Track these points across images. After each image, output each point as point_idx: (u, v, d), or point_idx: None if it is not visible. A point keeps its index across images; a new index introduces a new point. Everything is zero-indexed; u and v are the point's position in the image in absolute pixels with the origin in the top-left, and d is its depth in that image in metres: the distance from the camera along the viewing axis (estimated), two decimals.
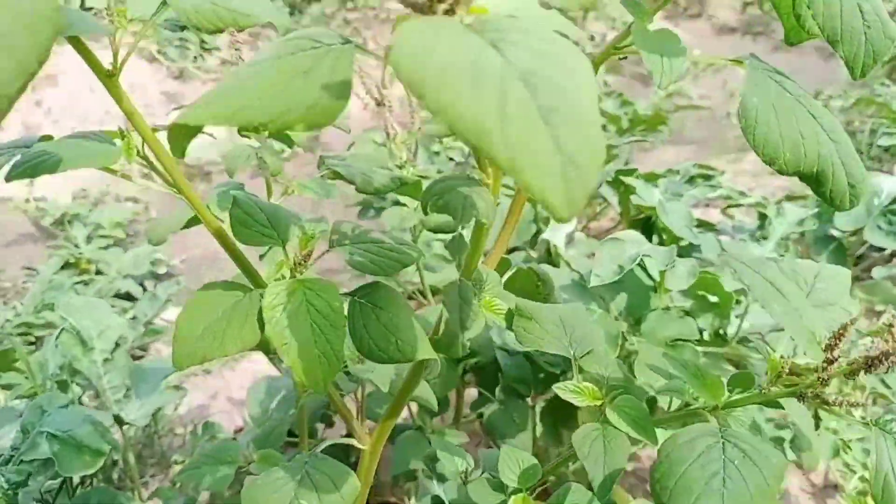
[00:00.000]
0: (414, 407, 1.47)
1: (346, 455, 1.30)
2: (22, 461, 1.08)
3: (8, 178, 0.57)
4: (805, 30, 0.65)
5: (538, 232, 1.60)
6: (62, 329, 1.41)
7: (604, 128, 2.48)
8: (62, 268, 2.71)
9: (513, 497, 0.71)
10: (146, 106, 4.08)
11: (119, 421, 1.33)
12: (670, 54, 0.57)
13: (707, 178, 2.04)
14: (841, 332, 0.54)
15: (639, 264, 1.25)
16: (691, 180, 2.06)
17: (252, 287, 0.63)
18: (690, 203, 1.86)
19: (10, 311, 2.42)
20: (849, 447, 1.36)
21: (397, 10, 4.36)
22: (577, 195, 0.32)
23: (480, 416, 1.37)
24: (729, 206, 2.02)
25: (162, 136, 0.63)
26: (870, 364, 0.52)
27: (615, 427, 0.65)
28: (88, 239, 2.90)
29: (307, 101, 0.43)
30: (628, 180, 1.77)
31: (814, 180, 0.58)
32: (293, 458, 0.74)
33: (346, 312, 0.60)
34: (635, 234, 1.27)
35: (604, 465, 0.62)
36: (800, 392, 0.57)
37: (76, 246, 2.85)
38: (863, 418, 0.55)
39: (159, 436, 1.69)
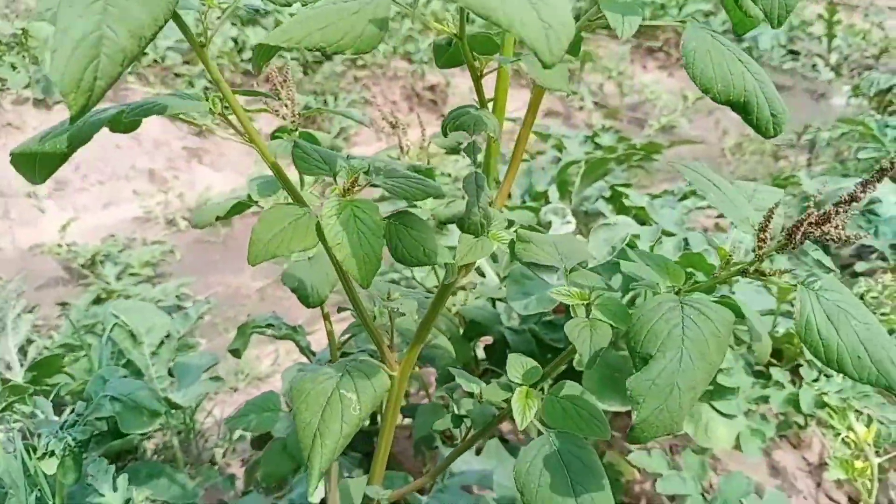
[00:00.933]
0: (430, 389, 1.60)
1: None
2: (87, 422, 1.23)
3: (127, 119, 0.74)
4: (749, 17, 0.82)
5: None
6: (115, 324, 1.56)
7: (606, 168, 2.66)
8: (94, 302, 2.88)
9: (518, 389, 0.85)
10: (169, 160, 4.32)
11: (168, 402, 1.47)
12: (628, 13, 0.74)
13: (701, 196, 2.21)
14: (770, 213, 0.69)
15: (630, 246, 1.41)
16: (684, 197, 2.23)
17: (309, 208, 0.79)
18: (682, 212, 2.02)
19: (47, 340, 2.58)
20: (833, 411, 1.47)
21: (403, 68, 4.59)
22: (555, 47, 0.48)
23: None
24: (721, 216, 2.18)
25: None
26: (791, 234, 0.68)
27: (599, 320, 0.80)
28: (119, 277, 3.08)
29: (357, 31, 0.61)
30: (622, 190, 1.94)
31: (742, 109, 0.74)
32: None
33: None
34: (625, 219, 1.43)
35: (590, 345, 0.77)
36: (743, 269, 0.72)
37: (107, 283, 3.03)
38: (793, 280, 0.70)
39: (196, 434, 1.82)
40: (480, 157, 0.78)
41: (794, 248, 0.69)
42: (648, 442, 0.67)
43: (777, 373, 1.40)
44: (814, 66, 5.94)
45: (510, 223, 1.17)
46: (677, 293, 0.77)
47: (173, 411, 1.64)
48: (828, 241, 0.65)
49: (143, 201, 3.89)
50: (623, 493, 1.62)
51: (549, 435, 0.81)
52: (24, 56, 4.38)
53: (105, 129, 0.76)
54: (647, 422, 0.66)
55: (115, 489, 1.15)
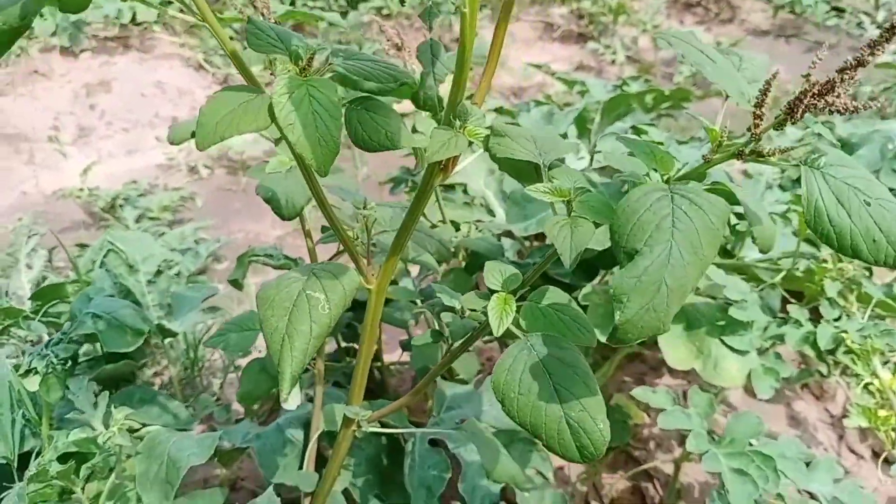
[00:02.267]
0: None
1: None
2: (71, 339, 1.20)
3: None
4: None
5: None
6: (109, 250, 1.53)
7: (628, 106, 2.55)
8: None
9: (495, 295, 0.79)
10: (192, 108, 4.28)
11: (162, 330, 1.44)
12: None
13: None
14: (766, 87, 0.61)
15: None
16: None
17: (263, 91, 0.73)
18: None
19: (63, 278, 2.58)
20: (857, 356, 1.38)
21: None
22: None
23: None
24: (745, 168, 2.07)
25: None
26: (792, 108, 0.59)
27: (581, 217, 0.72)
28: (137, 220, 3.07)
29: None
30: (643, 128, 1.84)
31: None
32: None
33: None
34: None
35: (571, 244, 0.70)
36: (738, 150, 0.64)
37: (126, 226, 3.02)
38: (794, 160, 0.62)
39: (198, 368, 1.80)
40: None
41: (794, 122, 0.61)
42: (633, 343, 0.61)
43: (795, 311, 1.31)
44: (859, 23, 5.66)
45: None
46: (666, 182, 0.69)
47: (171, 341, 1.62)
48: (833, 112, 0.57)
49: (166, 149, 3.88)
50: (631, 436, 1.56)
51: (527, 339, 0.75)
52: None
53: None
54: (631, 322, 0.60)
55: (95, 406, 1.12)
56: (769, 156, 0.62)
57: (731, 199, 0.65)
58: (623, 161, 0.73)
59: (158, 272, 1.63)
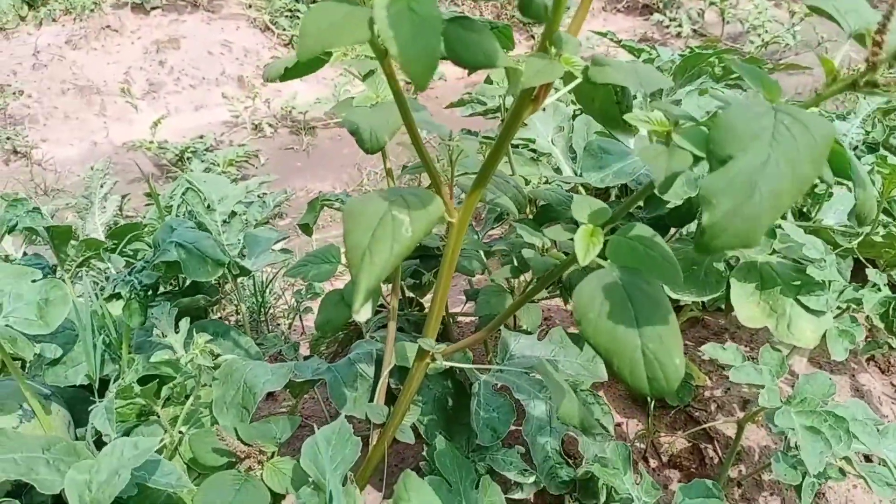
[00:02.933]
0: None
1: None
2: (154, 266, 1.24)
3: None
4: None
5: None
6: (187, 188, 1.57)
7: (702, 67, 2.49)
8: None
9: (582, 227, 0.79)
10: (257, 68, 4.35)
11: (237, 267, 1.48)
12: None
13: None
14: (889, 11, 0.59)
15: None
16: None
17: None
18: None
19: None
20: None
21: None
22: None
23: (560, 281, 1.44)
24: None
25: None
26: None
27: (679, 147, 0.72)
28: (204, 172, 3.15)
29: None
30: (717, 88, 1.80)
31: None
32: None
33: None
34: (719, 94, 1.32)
35: (667, 167, 0.69)
36: (853, 81, 0.63)
37: None
38: None
39: (267, 312, 1.85)
40: None
41: None
42: (717, 252, 0.59)
43: (874, 275, 1.28)
44: None
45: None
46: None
47: (243, 281, 1.66)
48: None
49: (232, 106, 3.95)
50: (692, 397, 1.55)
51: (612, 268, 0.75)
52: None
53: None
54: (719, 225, 0.58)
55: (177, 331, 1.16)
56: (885, 87, 0.61)
57: (840, 160, 0.64)
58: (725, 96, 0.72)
59: (233, 214, 1.67)
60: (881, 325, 1.60)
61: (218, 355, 1.21)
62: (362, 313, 0.77)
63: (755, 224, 0.58)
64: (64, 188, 3.37)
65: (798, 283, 1.22)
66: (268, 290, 1.70)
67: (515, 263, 1.00)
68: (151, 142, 3.53)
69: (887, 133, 1.36)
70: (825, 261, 1.19)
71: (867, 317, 1.61)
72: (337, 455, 0.96)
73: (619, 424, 1.52)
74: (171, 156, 3.37)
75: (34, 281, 1.23)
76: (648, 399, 1.49)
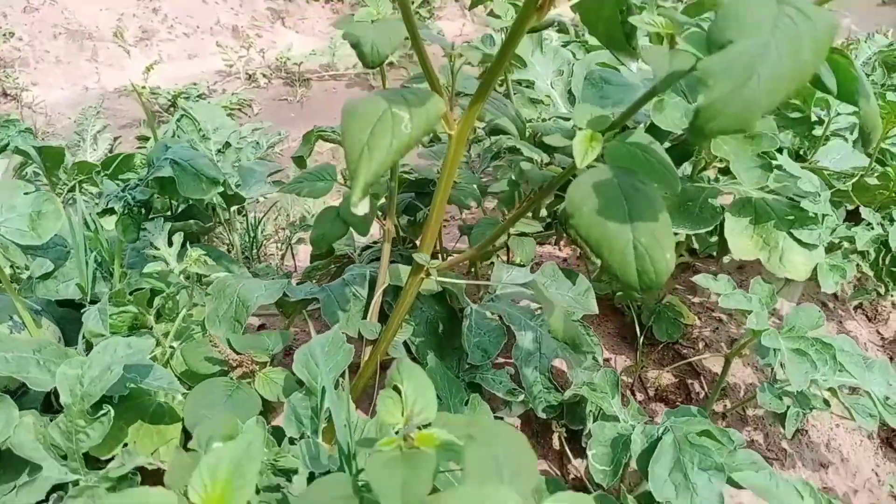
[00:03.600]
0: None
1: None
2: (148, 182, 1.23)
3: None
4: None
5: None
6: (182, 115, 1.56)
7: None
8: None
9: (581, 132, 0.79)
10: (253, 18, 4.30)
11: (232, 194, 1.47)
12: None
13: None
14: None
15: None
16: None
17: None
18: None
19: None
20: None
21: None
22: None
23: (555, 213, 1.45)
24: None
25: None
26: None
27: (683, 51, 0.72)
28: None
29: None
30: None
31: None
32: None
33: None
34: None
35: (669, 64, 0.69)
36: None
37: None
38: None
39: (259, 244, 1.84)
40: None
41: None
42: (712, 136, 0.59)
43: (867, 213, 1.29)
44: None
45: None
46: None
47: (235, 222, 1.66)
48: None
49: (226, 55, 3.91)
50: (682, 336, 1.57)
51: (608, 167, 0.75)
52: None
53: None
54: (714, 107, 0.57)
55: (170, 245, 1.16)
56: None
57: (845, 72, 0.63)
58: None
59: (227, 145, 1.66)
60: (870, 273, 1.62)
61: (211, 266, 1.20)
62: (360, 207, 0.77)
63: (752, 108, 0.58)
64: (55, 131, 3.34)
65: (791, 217, 1.23)
66: (259, 230, 1.70)
67: (513, 177, 1.00)
68: (143, 87, 3.50)
69: (887, 77, 1.36)
70: (819, 195, 1.19)
71: (857, 264, 1.63)
72: (330, 360, 0.97)
73: (607, 360, 1.53)
74: (164, 101, 3.33)
75: (27, 194, 1.22)
76: (637, 333, 1.50)
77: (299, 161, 1.50)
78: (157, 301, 1.13)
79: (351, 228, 1.11)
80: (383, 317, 1.21)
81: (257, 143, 2.28)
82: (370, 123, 0.78)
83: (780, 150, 1.37)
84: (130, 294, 1.16)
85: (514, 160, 1.02)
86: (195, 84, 3.67)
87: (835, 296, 1.78)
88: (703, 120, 0.58)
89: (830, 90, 0.77)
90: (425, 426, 0.64)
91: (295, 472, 0.87)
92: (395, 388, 0.69)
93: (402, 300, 1.08)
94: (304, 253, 2.02)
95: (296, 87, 3.82)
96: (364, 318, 1.18)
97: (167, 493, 0.65)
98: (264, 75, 3.87)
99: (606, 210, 0.70)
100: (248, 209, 1.86)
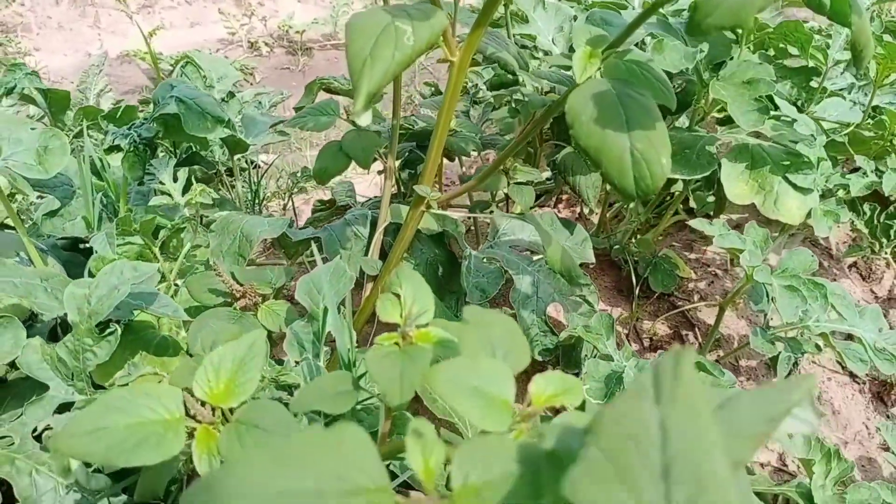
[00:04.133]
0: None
1: None
2: (154, 119, 1.25)
3: None
4: None
5: None
6: (187, 62, 1.57)
7: None
8: None
9: (580, 49, 0.80)
10: None
11: (237, 140, 1.48)
12: None
13: None
14: None
15: None
16: None
17: None
18: None
19: None
20: None
21: None
22: None
23: (554, 162, 1.47)
24: None
25: None
26: None
27: None
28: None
29: None
30: None
31: None
32: None
33: None
34: None
35: None
36: None
37: None
38: None
39: (262, 197, 1.85)
40: None
41: None
42: (709, 32, 0.61)
43: (862, 160, 1.31)
44: None
45: None
46: None
47: (240, 159, 1.67)
48: None
49: (228, 23, 3.90)
50: (677, 288, 1.59)
51: (606, 79, 0.77)
52: None
53: None
54: (711, 2, 0.60)
55: (175, 180, 1.18)
56: None
57: None
58: None
59: (231, 94, 1.67)
60: (865, 230, 1.64)
61: (215, 199, 1.22)
62: (363, 118, 0.78)
63: (747, 3, 0.60)
64: None
65: (787, 162, 1.24)
66: (262, 184, 1.72)
67: (513, 105, 1.02)
68: (147, 52, 3.49)
69: (884, 26, 1.37)
70: (815, 138, 1.21)
71: (851, 221, 1.65)
72: (332, 287, 0.99)
73: (604, 311, 1.55)
74: (166, 66, 3.34)
75: (33, 129, 1.24)
76: (632, 284, 1.52)
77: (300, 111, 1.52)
78: (162, 234, 1.14)
79: (353, 161, 1.12)
80: (384, 255, 1.22)
81: (259, 102, 2.29)
82: (373, 35, 0.79)
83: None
84: (136, 225, 1.18)
85: (514, 90, 1.03)
86: (198, 51, 3.66)
87: (829, 255, 1.81)
88: (702, 15, 0.60)
89: (823, 5, 0.79)
90: (423, 327, 0.67)
91: (297, 386, 0.89)
92: (395, 294, 0.71)
93: (403, 234, 1.10)
94: (305, 210, 2.04)
95: (298, 55, 3.81)
96: (365, 256, 1.20)
97: (173, 388, 0.67)
98: (266, 44, 3.86)
99: (604, 118, 0.72)
100: (252, 171, 1.87)
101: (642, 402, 0.28)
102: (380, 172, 1.25)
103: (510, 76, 1.14)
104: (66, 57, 3.64)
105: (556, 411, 0.60)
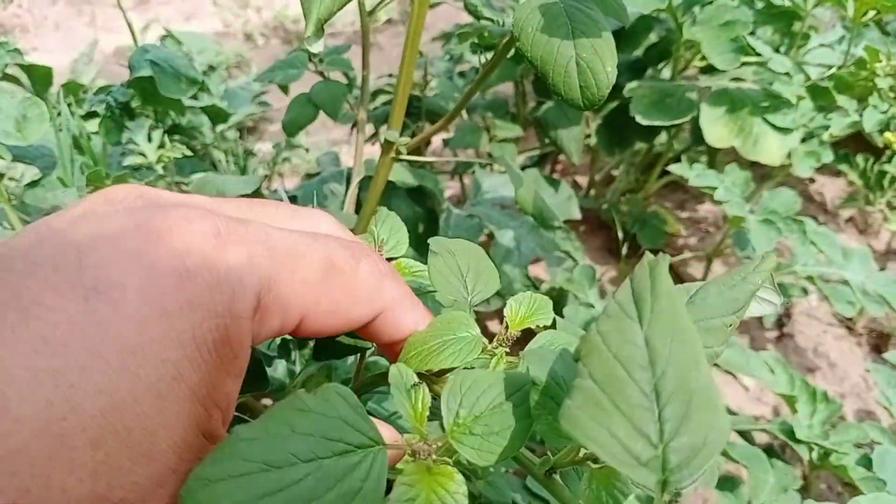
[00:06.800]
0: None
1: None
2: (129, 84, 1.25)
3: None
4: None
5: None
6: (166, 36, 1.57)
7: None
8: None
9: None
10: None
11: (218, 109, 1.48)
12: None
13: None
14: None
15: None
16: None
17: None
18: None
19: None
20: None
21: None
22: None
23: (536, 120, 1.45)
24: None
25: None
26: None
27: None
28: None
29: None
30: None
31: None
32: None
33: None
34: None
35: None
36: None
37: None
38: None
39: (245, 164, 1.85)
40: None
41: None
42: None
43: (844, 101, 1.29)
44: None
45: None
46: None
47: (224, 132, 1.67)
48: None
49: (223, 15, 3.92)
50: (666, 244, 1.58)
51: None
52: None
53: None
54: None
55: (149, 140, 1.18)
56: None
57: None
58: None
59: (212, 68, 1.67)
60: (859, 182, 1.62)
61: (192, 150, 1.21)
62: (315, 46, 0.78)
63: None
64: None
65: (766, 104, 1.23)
66: (244, 155, 1.72)
67: (475, 40, 1.01)
68: (137, 45, 3.52)
69: None
70: (791, 76, 1.19)
71: (845, 175, 1.63)
72: None
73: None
74: None
75: (12, 98, 1.24)
76: (620, 242, 1.51)
77: (284, 90, 1.52)
78: None
79: (322, 111, 1.12)
80: (359, 209, 1.22)
81: (248, 83, 2.30)
82: None
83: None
84: (109, 181, 1.19)
85: (479, 27, 1.02)
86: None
87: (825, 210, 1.79)
88: None
89: None
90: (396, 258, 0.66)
91: None
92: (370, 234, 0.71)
93: (374, 182, 1.09)
94: (289, 182, 2.04)
95: (293, 45, 3.83)
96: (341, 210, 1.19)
97: None
98: (262, 34, 3.88)
99: (550, 27, 0.71)
100: (237, 144, 1.87)
101: (626, 321, 0.27)
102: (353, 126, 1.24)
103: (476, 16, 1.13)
104: (64, 55, 3.66)
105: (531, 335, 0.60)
